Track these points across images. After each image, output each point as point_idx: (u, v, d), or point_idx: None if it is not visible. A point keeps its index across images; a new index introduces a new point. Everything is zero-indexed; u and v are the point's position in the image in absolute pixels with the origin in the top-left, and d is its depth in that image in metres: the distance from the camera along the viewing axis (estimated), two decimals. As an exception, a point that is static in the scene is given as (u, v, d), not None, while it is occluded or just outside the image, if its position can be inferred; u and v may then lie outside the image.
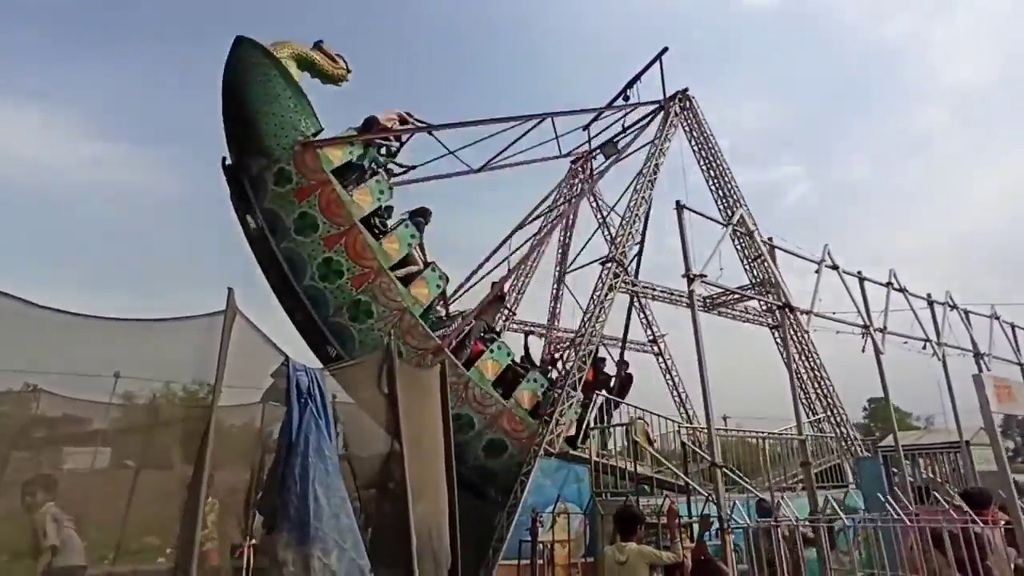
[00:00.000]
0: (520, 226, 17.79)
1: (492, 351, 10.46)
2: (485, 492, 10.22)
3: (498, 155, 14.12)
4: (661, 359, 20.58)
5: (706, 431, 5.66)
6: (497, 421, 10.00)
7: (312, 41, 10.52)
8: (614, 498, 9.96)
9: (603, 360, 13.80)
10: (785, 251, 6.97)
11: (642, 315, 20.83)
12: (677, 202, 5.87)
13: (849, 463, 12.57)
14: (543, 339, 19.76)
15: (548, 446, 10.40)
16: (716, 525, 5.44)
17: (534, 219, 18.48)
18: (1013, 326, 11.05)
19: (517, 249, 16.24)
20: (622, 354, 13.80)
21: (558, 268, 20.78)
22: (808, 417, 15.78)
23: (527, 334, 15.01)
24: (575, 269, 20.14)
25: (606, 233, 21.47)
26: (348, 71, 10.68)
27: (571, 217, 20.85)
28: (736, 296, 14.37)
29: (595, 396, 11.12)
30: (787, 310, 6.52)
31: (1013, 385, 4.02)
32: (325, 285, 9.13)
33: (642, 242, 15.45)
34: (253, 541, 3.92)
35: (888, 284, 8.31)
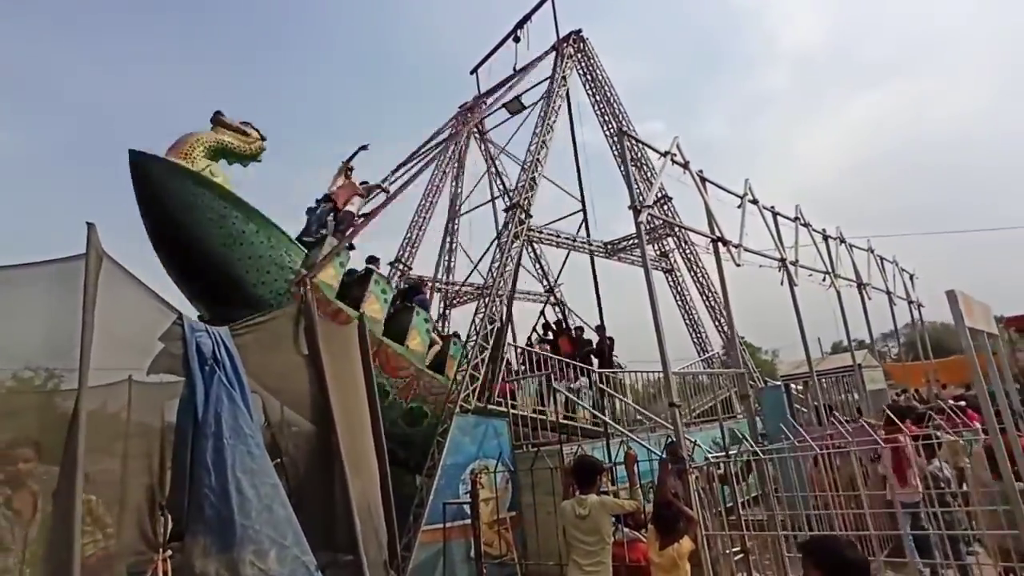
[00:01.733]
0: (402, 164, 16.33)
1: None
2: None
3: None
4: (557, 308, 20.72)
5: (661, 374, 5.38)
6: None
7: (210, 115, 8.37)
8: (534, 449, 9.73)
9: (580, 328, 14.02)
10: (715, 185, 6.81)
11: (538, 265, 20.75)
12: (619, 129, 5.41)
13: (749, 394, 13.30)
14: (438, 293, 19.11)
15: (463, 402, 9.90)
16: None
17: (419, 161, 17.39)
18: (882, 259, 12.09)
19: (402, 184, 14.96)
20: (601, 321, 13.68)
21: (450, 222, 19.98)
22: (701, 354, 16.65)
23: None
24: (468, 211, 19.45)
25: (498, 182, 20.95)
26: (262, 139, 8.79)
27: (460, 166, 20.00)
28: (656, 236, 14.49)
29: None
30: (720, 243, 6.37)
31: (972, 302, 4.07)
32: None
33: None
34: (168, 552, 2.98)
35: (796, 219, 8.55)
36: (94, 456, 3.15)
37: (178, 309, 3.25)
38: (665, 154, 6.00)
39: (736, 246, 6.58)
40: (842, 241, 10.05)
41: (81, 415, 2.53)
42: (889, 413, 6.52)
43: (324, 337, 4.50)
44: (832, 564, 2.45)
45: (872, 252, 11.46)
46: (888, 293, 11.84)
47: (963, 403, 8.90)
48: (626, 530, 5.22)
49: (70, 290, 2.82)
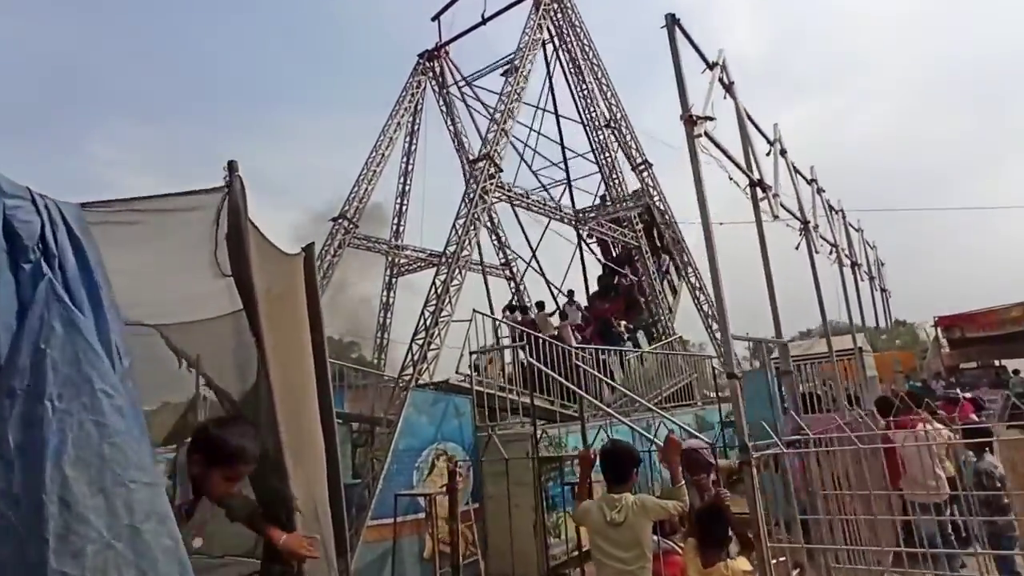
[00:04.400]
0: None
1: None
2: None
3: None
4: (513, 283, 19.44)
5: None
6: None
7: None
8: (502, 432, 8.47)
9: None
10: (750, 120, 5.65)
11: (494, 236, 19.35)
12: (670, 15, 4.12)
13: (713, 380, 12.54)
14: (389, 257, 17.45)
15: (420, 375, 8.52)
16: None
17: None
18: (866, 243, 11.45)
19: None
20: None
21: (401, 180, 18.26)
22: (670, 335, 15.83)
23: None
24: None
25: (455, 141, 19.38)
26: None
27: (415, 119, 18.26)
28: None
29: None
30: (759, 188, 5.22)
31: None
32: None
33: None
34: None
35: (812, 182, 7.58)
36: None
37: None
38: (712, 66, 4.76)
39: (775, 196, 5.47)
40: (844, 217, 9.22)
41: None
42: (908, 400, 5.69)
43: (260, 258, 2.97)
44: None
45: (861, 232, 10.76)
46: (871, 278, 11.23)
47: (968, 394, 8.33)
48: (656, 537, 4.01)
49: None
